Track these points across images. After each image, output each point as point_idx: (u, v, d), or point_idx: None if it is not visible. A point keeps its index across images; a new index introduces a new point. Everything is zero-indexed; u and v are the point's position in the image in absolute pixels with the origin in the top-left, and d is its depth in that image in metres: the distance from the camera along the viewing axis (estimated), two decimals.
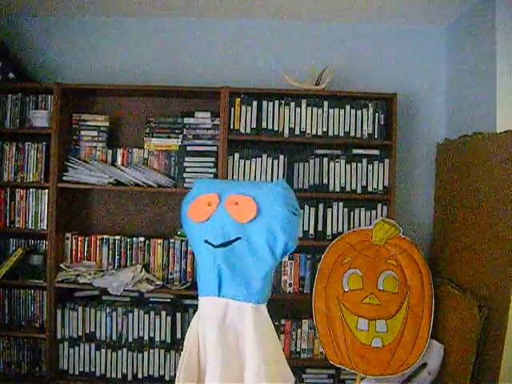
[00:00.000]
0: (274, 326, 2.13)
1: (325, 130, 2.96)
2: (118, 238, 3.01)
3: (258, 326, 1.99)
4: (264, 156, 2.95)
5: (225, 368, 1.96)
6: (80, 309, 2.94)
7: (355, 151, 2.99)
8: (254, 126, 2.95)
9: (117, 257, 3.01)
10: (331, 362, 2.70)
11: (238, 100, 2.94)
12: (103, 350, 2.94)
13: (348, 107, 2.96)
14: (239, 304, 2.00)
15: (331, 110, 2.96)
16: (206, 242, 2.04)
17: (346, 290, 2.73)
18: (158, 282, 2.92)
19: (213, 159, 2.95)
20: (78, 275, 2.89)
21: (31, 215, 2.96)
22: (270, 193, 2.05)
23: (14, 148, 2.97)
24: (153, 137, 3.02)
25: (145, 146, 3.03)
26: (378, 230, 2.79)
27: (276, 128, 2.96)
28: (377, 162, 2.97)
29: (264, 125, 2.95)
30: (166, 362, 2.92)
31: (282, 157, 2.95)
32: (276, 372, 2.00)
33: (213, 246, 2.02)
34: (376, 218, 2.93)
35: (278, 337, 2.59)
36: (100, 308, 2.95)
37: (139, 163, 3.01)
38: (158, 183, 2.93)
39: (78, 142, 3.04)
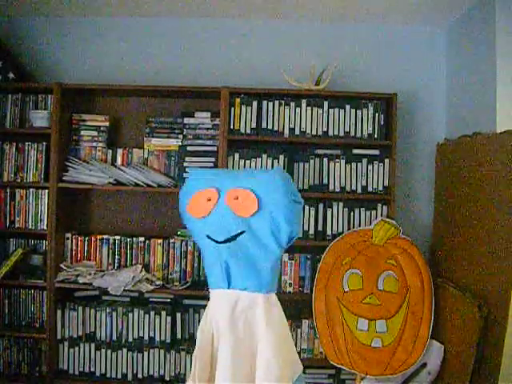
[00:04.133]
0: None
1: (325, 129, 2.96)
2: (117, 238, 3.01)
3: (269, 315, 2.02)
4: (264, 156, 2.95)
5: (236, 356, 1.98)
6: (80, 309, 2.93)
7: (355, 151, 2.99)
8: (254, 125, 2.95)
9: (117, 257, 3.01)
10: (331, 362, 2.70)
11: (237, 100, 2.94)
12: (103, 350, 2.94)
13: (348, 107, 2.96)
14: (250, 295, 2.02)
15: (331, 110, 2.96)
16: (208, 237, 2.06)
17: (346, 290, 2.73)
18: (157, 282, 2.92)
19: (213, 159, 2.95)
20: (77, 275, 2.89)
21: (31, 215, 2.96)
22: (268, 183, 2.06)
23: (14, 148, 2.96)
24: (153, 137, 3.01)
25: (145, 146, 3.03)
26: (378, 230, 2.79)
27: (276, 128, 2.95)
28: (377, 161, 2.97)
29: (264, 125, 2.95)
30: (165, 362, 2.92)
31: (282, 157, 2.95)
32: (287, 360, 2.03)
33: (216, 241, 2.04)
34: (376, 218, 2.93)
35: None
36: (100, 308, 2.95)
37: (139, 163, 3.01)
38: (158, 183, 2.93)
39: (78, 141, 3.04)
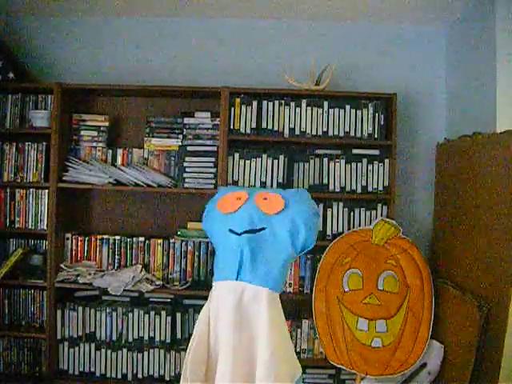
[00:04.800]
0: None
1: (325, 129, 2.96)
2: (117, 238, 3.01)
3: (272, 312, 2.08)
4: (264, 156, 2.95)
5: (237, 351, 2.03)
6: (80, 309, 2.93)
7: (355, 151, 2.99)
8: (254, 125, 2.95)
9: (117, 257, 3.01)
10: (331, 362, 2.70)
11: (237, 100, 2.94)
12: (103, 350, 2.94)
13: (348, 107, 2.96)
14: (255, 288, 2.09)
15: (331, 110, 2.96)
16: (230, 230, 2.18)
17: (346, 289, 2.73)
18: (157, 282, 2.91)
19: (213, 159, 2.95)
20: (77, 275, 2.89)
21: (31, 215, 2.96)
22: (295, 194, 2.33)
23: (14, 148, 2.96)
24: (153, 137, 3.01)
25: (145, 146, 3.03)
26: (378, 230, 2.79)
27: (276, 128, 2.96)
28: (377, 162, 2.97)
29: (264, 125, 2.95)
30: (166, 362, 2.92)
31: (282, 157, 2.95)
32: (287, 360, 2.08)
33: (237, 234, 2.16)
34: (376, 218, 2.93)
35: None
36: (100, 308, 2.95)
37: (139, 163, 3.01)
38: (158, 183, 2.93)
39: (78, 141, 3.04)
